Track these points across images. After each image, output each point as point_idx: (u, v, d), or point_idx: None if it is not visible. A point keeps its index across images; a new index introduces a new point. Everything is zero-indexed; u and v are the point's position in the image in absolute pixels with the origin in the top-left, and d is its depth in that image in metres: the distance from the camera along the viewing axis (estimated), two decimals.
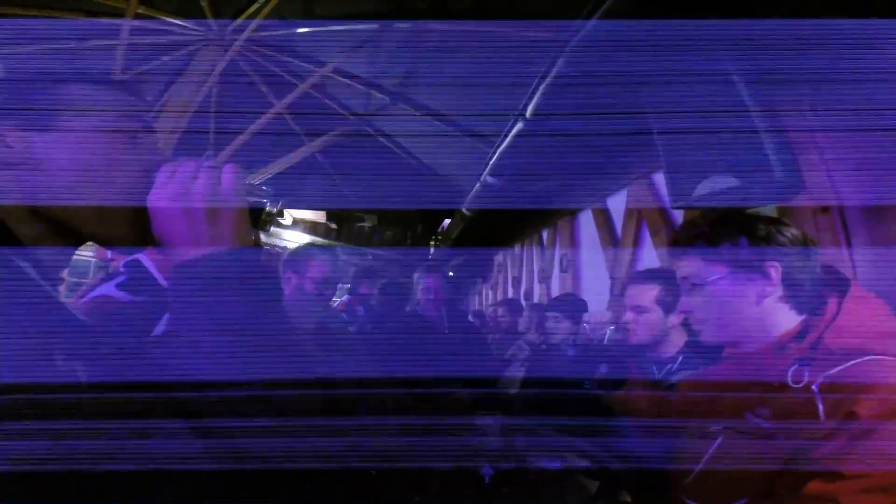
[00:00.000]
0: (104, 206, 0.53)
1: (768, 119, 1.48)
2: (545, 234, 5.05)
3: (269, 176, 4.73)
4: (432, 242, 8.34)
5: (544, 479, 1.29)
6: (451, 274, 2.88)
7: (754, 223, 0.93)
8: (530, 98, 2.67)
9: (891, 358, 0.80)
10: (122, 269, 0.93)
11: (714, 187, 1.57)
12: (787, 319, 0.91)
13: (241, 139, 3.84)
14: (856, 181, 1.55)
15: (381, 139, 4.56)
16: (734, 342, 0.97)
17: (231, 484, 0.46)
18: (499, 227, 5.60)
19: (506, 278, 6.52)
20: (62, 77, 0.55)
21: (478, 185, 3.77)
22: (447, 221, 7.12)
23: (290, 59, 3.60)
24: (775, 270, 0.90)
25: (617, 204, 3.44)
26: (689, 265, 0.97)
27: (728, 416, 0.94)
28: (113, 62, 3.12)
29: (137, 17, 3.01)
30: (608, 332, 2.73)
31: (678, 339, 1.52)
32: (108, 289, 0.91)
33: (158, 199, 0.53)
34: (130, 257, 0.94)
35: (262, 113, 3.85)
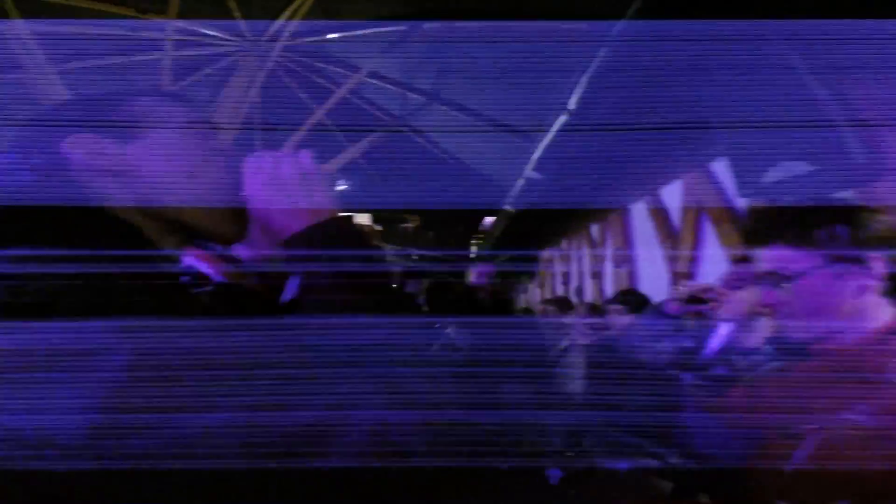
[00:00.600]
0: (208, 205, 0.60)
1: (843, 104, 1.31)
2: (595, 229, 4.85)
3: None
4: (475, 241, 8.26)
5: (613, 481, 1.25)
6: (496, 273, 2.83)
7: (853, 211, 0.87)
8: (573, 91, 2.57)
9: None
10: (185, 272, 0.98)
11: (785, 174, 1.41)
12: (887, 313, 0.86)
13: (287, 146, 3.91)
14: None
15: (419, 139, 4.53)
16: (828, 336, 0.91)
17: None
18: (544, 224, 5.45)
19: (554, 275, 6.34)
20: (141, 91, 0.63)
21: (521, 180, 3.66)
22: (490, 219, 7.02)
23: (324, 65, 3.62)
24: (880, 262, 0.84)
25: (673, 196, 3.23)
26: (777, 256, 0.90)
27: (821, 413, 0.88)
28: (159, 76, 3.24)
29: (176, 31, 3.10)
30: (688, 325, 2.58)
31: (764, 331, 1.40)
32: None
33: (254, 187, 0.60)
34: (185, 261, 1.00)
35: (305, 120, 3.90)
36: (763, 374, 1.20)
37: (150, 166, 0.58)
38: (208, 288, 0.82)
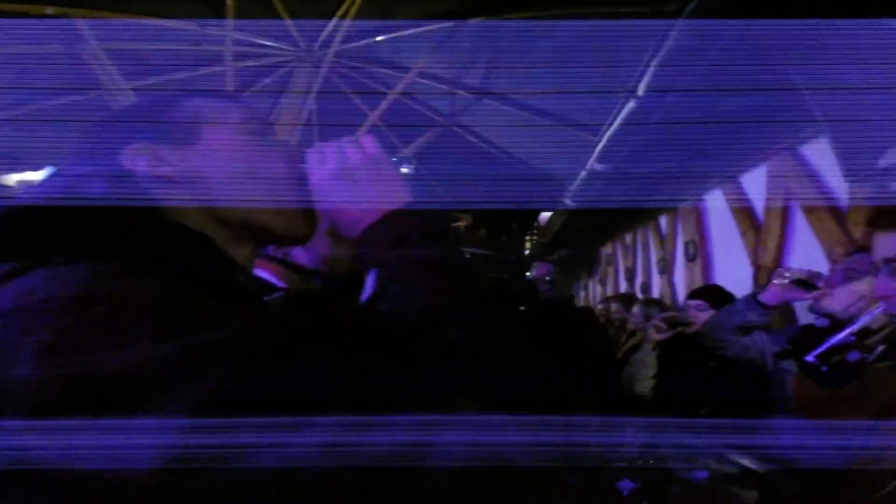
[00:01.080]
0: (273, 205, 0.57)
1: None
2: (663, 221, 4.57)
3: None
4: (529, 238, 8.10)
5: (690, 493, 1.17)
6: (547, 279, 2.74)
7: None
8: (642, 75, 2.41)
9: None
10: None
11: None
12: None
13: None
14: None
15: (472, 138, 4.45)
16: None
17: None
18: (604, 218, 5.22)
19: (616, 271, 6.07)
20: (195, 93, 0.62)
21: (583, 172, 3.50)
22: (546, 215, 6.82)
23: (375, 69, 3.61)
24: None
25: (755, 185, 2.96)
26: None
27: None
28: (223, 85, 3.34)
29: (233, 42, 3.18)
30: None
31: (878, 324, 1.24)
32: None
33: (321, 179, 0.57)
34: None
35: (360, 125, 3.92)
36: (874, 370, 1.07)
37: (210, 168, 0.56)
38: (277, 295, 0.78)
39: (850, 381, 1.01)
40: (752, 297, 1.79)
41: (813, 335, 1.31)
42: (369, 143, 0.60)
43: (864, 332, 1.22)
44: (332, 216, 0.59)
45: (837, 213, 2.26)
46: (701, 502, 1.17)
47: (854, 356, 1.01)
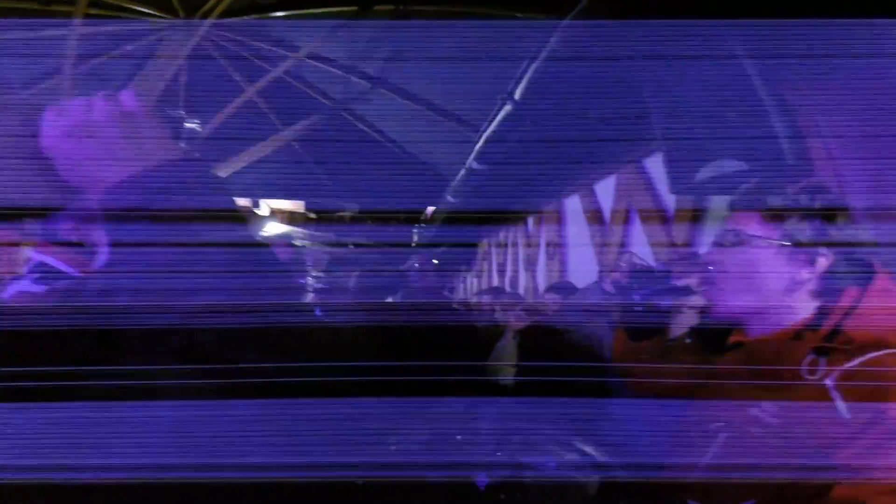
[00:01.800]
0: None
1: (778, 105, 1.43)
2: (531, 221, 5.00)
3: (244, 165, 4.56)
4: (416, 230, 8.23)
5: (542, 483, 1.25)
6: (435, 262, 2.86)
7: (836, 212, 0.89)
8: (518, 81, 2.62)
9: None
10: (32, 266, 0.90)
11: (718, 172, 1.52)
12: (808, 308, 0.87)
13: (210, 127, 3.68)
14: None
15: (361, 126, 4.44)
16: (749, 320, 0.92)
17: None
18: (484, 215, 5.54)
19: (490, 266, 6.47)
20: None
21: (463, 171, 3.70)
22: (431, 209, 7.02)
23: (261, 44, 3.45)
24: (825, 260, 0.86)
25: (606, 190, 3.40)
26: (748, 221, 0.90)
27: (733, 409, 0.90)
28: (67, 51, 2.92)
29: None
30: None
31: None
32: (26, 285, 0.88)
33: (55, 138, 0.51)
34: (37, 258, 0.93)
35: (233, 101, 3.69)
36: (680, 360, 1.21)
37: None
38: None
39: (657, 334, 1.16)
40: (597, 285, 2.07)
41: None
42: (127, 98, 0.54)
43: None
44: (74, 176, 0.52)
45: (665, 219, 2.72)
46: (550, 491, 1.23)
47: (665, 303, 1.12)
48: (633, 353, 1.19)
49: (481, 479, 1.20)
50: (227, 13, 3.05)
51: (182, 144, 0.56)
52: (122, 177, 0.50)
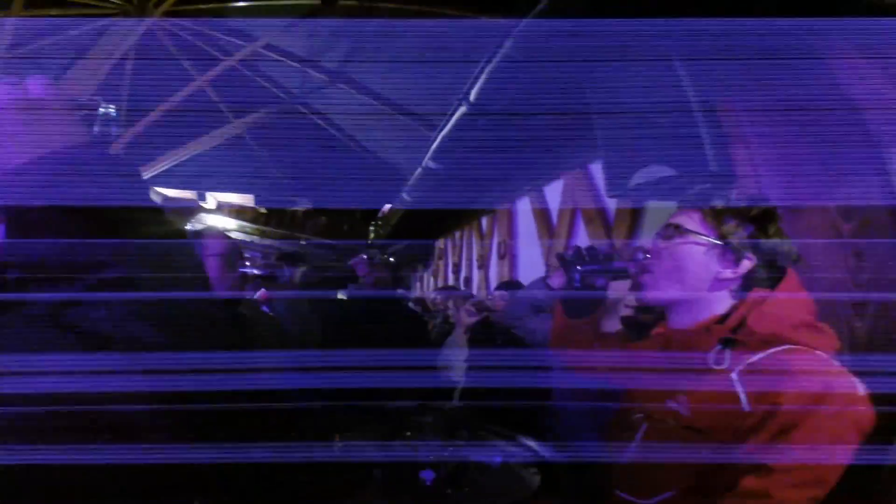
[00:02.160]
0: None
1: (705, 113, 1.55)
2: (484, 222, 5.10)
3: (190, 155, 4.41)
4: (372, 228, 8.19)
5: (486, 478, 1.26)
6: (391, 259, 2.88)
7: (772, 217, 0.92)
8: (474, 81, 2.65)
9: (806, 348, 0.82)
10: None
11: (649, 177, 1.63)
12: (724, 304, 0.91)
13: (154, 116, 3.55)
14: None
15: (318, 120, 4.38)
16: (673, 310, 0.96)
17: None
18: (440, 214, 5.59)
19: (446, 265, 6.55)
20: None
21: (419, 169, 3.72)
22: (388, 206, 7.01)
23: (216, 34, 3.35)
24: (748, 262, 0.90)
25: (554, 193, 3.54)
26: (689, 218, 0.94)
27: (651, 401, 0.93)
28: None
29: None
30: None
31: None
32: None
33: None
34: None
35: (180, 89, 3.56)
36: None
37: None
38: None
39: (591, 312, 1.17)
40: (542, 280, 2.15)
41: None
42: (35, 85, 0.52)
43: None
44: None
45: (605, 219, 2.88)
46: (493, 487, 1.21)
47: (600, 282, 1.12)
48: (570, 331, 1.21)
49: (427, 474, 1.20)
50: (181, 1, 2.96)
51: (96, 130, 0.53)
52: (22, 161, 0.48)
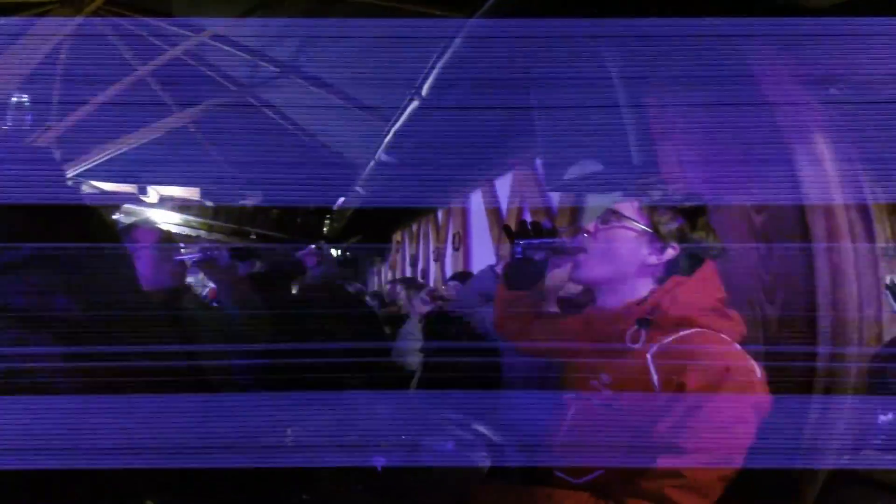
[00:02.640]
0: None
1: (632, 108, 1.65)
2: (440, 214, 5.19)
3: (130, 147, 4.23)
4: (326, 221, 8.09)
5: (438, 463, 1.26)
6: (348, 254, 2.90)
7: (701, 212, 0.98)
8: (427, 76, 2.70)
9: (713, 332, 0.87)
10: None
11: (581, 172, 1.76)
12: (645, 288, 0.97)
13: (90, 106, 3.39)
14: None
15: (269, 112, 4.31)
16: (601, 290, 1.00)
17: None
18: (394, 207, 5.61)
19: (404, 257, 6.60)
20: None
21: (372, 162, 3.75)
22: (342, 199, 6.95)
23: (159, 23, 3.24)
24: (672, 251, 0.95)
25: (502, 189, 3.67)
26: (628, 206, 0.99)
27: (579, 381, 0.97)
28: None
29: None
30: None
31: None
32: None
33: None
34: None
35: (119, 80, 3.42)
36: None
37: None
38: None
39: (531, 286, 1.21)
40: (490, 269, 2.25)
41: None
42: None
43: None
44: None
45: (551, 213, 3.04)
46: (444, 472, 1.21)
47: (539, 256, 1.15)
48: (510, 304, 1.25)
49: (378, 460, 1.21)
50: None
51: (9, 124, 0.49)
52: None
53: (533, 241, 1.15)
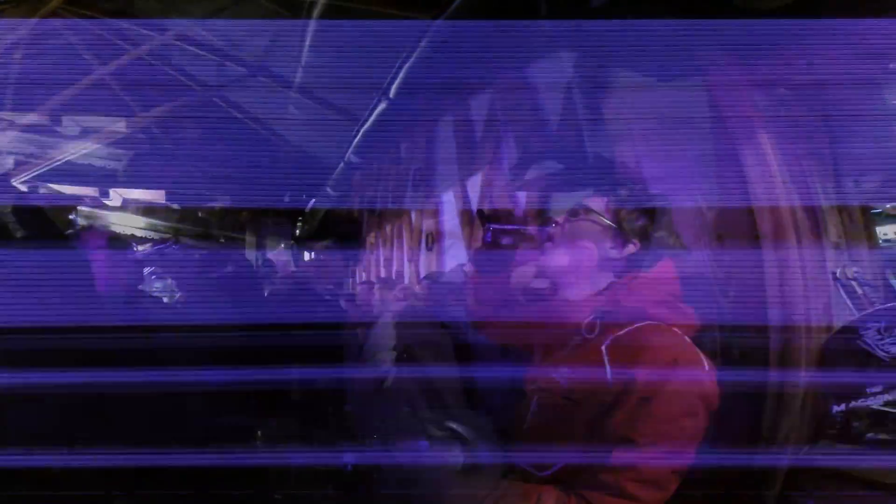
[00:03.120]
0: None
1: (592, 113, 1.71)
2: (413, 215, 5.20)
3: (91, 148, 4.11)
4: (298, 223, 8.00)
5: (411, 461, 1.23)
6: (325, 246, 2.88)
7: (664, 211, 1.01)
8: (394, 77, 2.70)
9: (665, 325, 0.88)
10: None
11: (541, 171, 1.81)
12: (605, 280, 0.99)
13: (46, 107, 3.28)
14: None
15: (237, 114, 4.23)
16: (563, 281, 1.02)
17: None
18: (367, 211, 5.60)
19: (378, 258, 6.57)
20: None
21: (342, 164, 3.75)
22: (313, 201, 6.89)
23: (124, 24, 3.15)
24: (633, 246, 0.98)
25: (472, 190, 3.71)
26: (596, 200, 1.01)
27: (541, 373, 0.97)
28: None
29: None
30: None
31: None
32: None
33: None
34: None
35: (77, 81, 3.31)
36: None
37: None
38: None
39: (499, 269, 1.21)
40: (460, 267, 2.28)
41: None
42: None
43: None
44: None
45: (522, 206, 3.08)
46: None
47: (506, 241, 1.16)
48: (481, 289, 1.26)
49: (348, 459, 1.21)
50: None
51: None
52: None
53: (505, 226, 1.16)
